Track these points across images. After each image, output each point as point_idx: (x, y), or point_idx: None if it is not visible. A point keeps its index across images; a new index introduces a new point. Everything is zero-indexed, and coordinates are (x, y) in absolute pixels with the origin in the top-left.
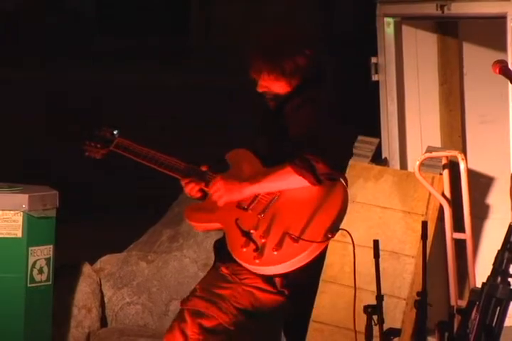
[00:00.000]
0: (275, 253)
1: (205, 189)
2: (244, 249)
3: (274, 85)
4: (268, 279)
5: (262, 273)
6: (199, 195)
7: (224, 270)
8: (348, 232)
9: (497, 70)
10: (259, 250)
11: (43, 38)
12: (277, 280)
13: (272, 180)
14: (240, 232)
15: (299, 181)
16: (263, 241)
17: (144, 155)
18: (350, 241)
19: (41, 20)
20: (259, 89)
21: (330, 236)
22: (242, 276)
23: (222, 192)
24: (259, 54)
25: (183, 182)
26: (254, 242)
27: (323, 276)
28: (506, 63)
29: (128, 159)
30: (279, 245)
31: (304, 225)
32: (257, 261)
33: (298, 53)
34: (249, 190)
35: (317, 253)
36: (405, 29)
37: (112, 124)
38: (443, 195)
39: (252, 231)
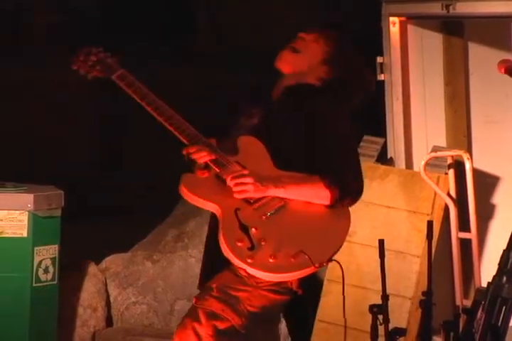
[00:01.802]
0: (271, 260)
1: (221, 174)
2: (239, 244)
3: (301, 62)
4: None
5: (246, 272)
6: (202, 166)
7: (242, 272)
8: (339, 264)
9: (502, 70)
10: (254, 250)
11: (43, 37)
12: (294, 280)
13: (298, 188)
14: (238, 224)
15: (323, 197)
16: (262, 243)
17: (151, 100)
18: (355, 241)
19: (41, 20)
20: (296, 45)
21: (325, 264)
22: (258, 279)
23: (250, 188)
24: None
25: (190, 149)
26: (251, 240)
27: (328, 276)
28: None
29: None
30: (277, 254)
31: (310, 244)
32: (249, 260)
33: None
34: (272, 192)
35: (307, 275)
36: (411, 29)
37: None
38: (448, 194)
39: (252, 228)
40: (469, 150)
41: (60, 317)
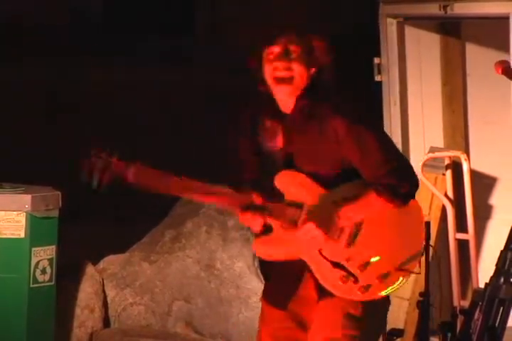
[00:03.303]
0: (379, 283)
1: (284, 226)
2: (341, 283)
3: (298, 85)
4: None
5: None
6: (262, 229)
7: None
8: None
9: (499, 71)
10: (358, 281)
11: (43, 37)
12: None
13: (358, 210)
14: (329, 264)
15: (385, 206)
16: (361, 271)
17: (174, 186)
18: None
19: (41, 20)
20: (284, 75)
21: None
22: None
23: (321, 238)
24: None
25: (242, 216)
26: (350, 273)
27: None
28: (509, 63)
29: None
30: (379, 274)
31: (401, 249)
32: (359, 292)
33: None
34: (341, 223)
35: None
36: (408, 29)
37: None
38: (446, 195)
39: (343, 262)
40: (467, 151)
41: (57, 317)
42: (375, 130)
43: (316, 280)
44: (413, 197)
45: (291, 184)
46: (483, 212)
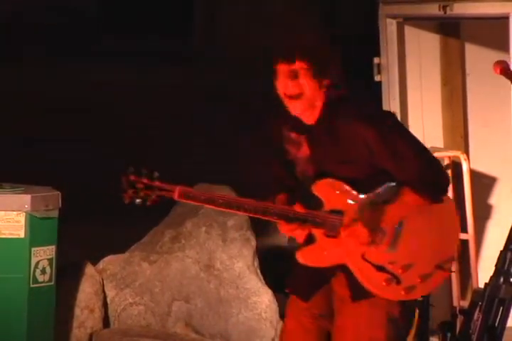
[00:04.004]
0: (421, 283)
1: (328, 234)
2: (385, 284)
3: (310, 99)
4: None
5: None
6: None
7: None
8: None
9: (498, 71)
10: (401, 282)
11: (43, 37)
12: None
13: (398, 211)
14: (373, 268)
15: (423, 204)
16: (404, 272)
17: (220, 202)
18: None
19: (41, 20)
20: (292, 92)
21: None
22: None
23: (367, 238)
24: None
25: (287, 227)
26: (393, 275)
27: None
28: (507, 64)
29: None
30: (421, 273)
31: (441, 251)
32: (403, 292)
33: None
34: (381, 226)
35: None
36: (408, 30)
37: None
38: None
39: (386, 265)
40: (466, 151)
41: (57, 318)
42: (402, 131)
43: (348, 280)
44: (446, 191)
45: (331, 192)
46: (483, 212)
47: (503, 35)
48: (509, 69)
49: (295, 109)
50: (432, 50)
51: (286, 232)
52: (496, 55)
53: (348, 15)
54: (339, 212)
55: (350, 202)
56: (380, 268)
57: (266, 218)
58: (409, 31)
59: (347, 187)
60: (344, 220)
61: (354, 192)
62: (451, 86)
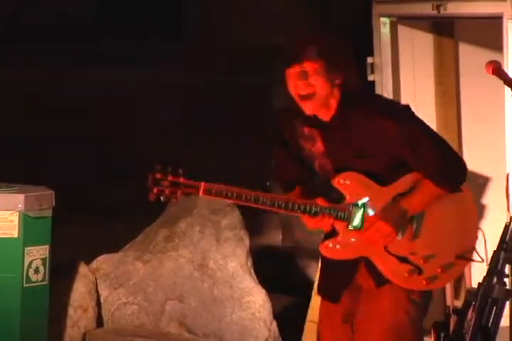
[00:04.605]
0: (442, 273)
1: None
2: (407, 275)
3: (323, 98)
4: None
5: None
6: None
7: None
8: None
9: (490, 71)
10: (423, 272)
11: (43, 37)
12: None
13: (419, 202)
14: (396, 260)
15: (442, 194)
16: (426, 262)
17: (245, 196)
18: None
19: (41, 20)
20: (304, 92)
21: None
22: None
23: (391, 236)
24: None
25: (311, 221)
26: (415, 266)
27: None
28: (499, 64)
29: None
30: (441, 263)
31: (461, 241)
32: (424, 282)
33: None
34: (404, 218)
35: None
36: (401, 29)
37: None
38: None
39: (408, 256)
40: (460, 150)
41: (50, 317)
42: (419, 123)
43: (371, 270)
44: (464, 181)
45: (352, 185)
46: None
47: (497, 34)
48: (501, 69)
49: (308, 109)
50: (426, 50)
51: (312, 226)
52: (490, 55)
53: (341, 14)
54: (363, 205)
55: (372, 195)
56: (403, 260)
57: (291, 213)
58: (403, 31)
59: (368, 180)
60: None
61: (375, 185)
62: (444, 85)
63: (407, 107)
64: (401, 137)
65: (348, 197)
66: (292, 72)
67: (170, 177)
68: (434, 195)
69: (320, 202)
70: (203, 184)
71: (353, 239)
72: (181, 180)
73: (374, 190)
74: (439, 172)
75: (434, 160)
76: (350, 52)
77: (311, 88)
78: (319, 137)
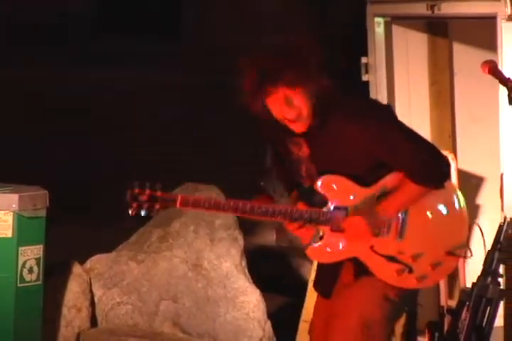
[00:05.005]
0: (432, 271)
1: (335, 231)
2: (396, 274)
3: (304, 105)
4: None
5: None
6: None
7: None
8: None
9: (486, 70)
10: (413, 271)
11: (43, 37)
12: None
13: (402, 201)
14: (383, 259)
15: (424, 192)
16: (415, 261)
17: (223, 206)
18: None
19: (41, 20)
20: (291, 117)
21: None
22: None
23: (368, 233)
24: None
25: (290, 227)
26: (404, 264)
27: (312, 277)
28: (495, 63)
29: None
30: (432, 261)
31: (450, 239)
32: (415, 281)
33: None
34: (385, 217)
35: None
36: (395, 29)
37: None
38: None
39: (396, 255)
40: (454, 151)
41: (44, 317)
42: (393, 123)
43: (354, 266)
44: (448, 175)
45: (333, 188)
46: (471, 212)
47: (491, 34)
48: (497, 68)
49: (298, 128)
50: (420, 50)
51: (292, 232)
52: (484, 55)
53: (336, 14)
54: (343, 208)
55: (352, 196)
56: (391, 259)
57: (272, 220)
58: (397, 31)
59: (349, 183)
60: (348, 215)
61: (357, 186)
62: (439, 85)
63: (387, 106)
64: (376, 138)
65: (329, 200)
66: (275, 99)
67: (147, 192)
68: (416, 193)
69: (300, 206)
70: (179, 196)
71: (337, 241)
72: (159, 193)
73: (355, 191)
74: (418, 172)
75: (412, 160)
76: (318, 56)
77: (297, 110)
78: (304, 142)
